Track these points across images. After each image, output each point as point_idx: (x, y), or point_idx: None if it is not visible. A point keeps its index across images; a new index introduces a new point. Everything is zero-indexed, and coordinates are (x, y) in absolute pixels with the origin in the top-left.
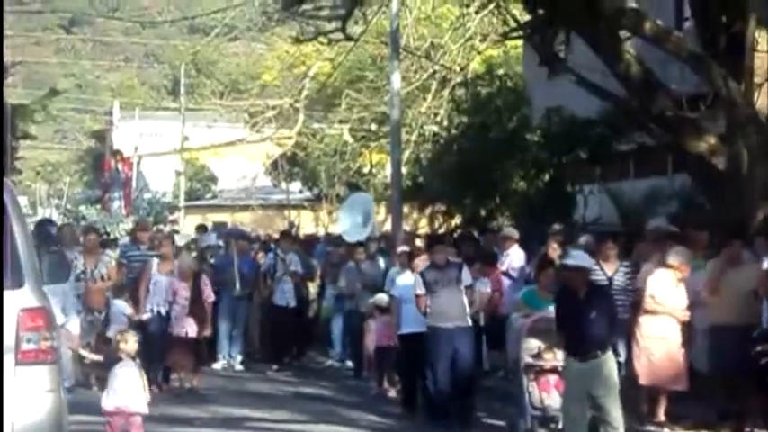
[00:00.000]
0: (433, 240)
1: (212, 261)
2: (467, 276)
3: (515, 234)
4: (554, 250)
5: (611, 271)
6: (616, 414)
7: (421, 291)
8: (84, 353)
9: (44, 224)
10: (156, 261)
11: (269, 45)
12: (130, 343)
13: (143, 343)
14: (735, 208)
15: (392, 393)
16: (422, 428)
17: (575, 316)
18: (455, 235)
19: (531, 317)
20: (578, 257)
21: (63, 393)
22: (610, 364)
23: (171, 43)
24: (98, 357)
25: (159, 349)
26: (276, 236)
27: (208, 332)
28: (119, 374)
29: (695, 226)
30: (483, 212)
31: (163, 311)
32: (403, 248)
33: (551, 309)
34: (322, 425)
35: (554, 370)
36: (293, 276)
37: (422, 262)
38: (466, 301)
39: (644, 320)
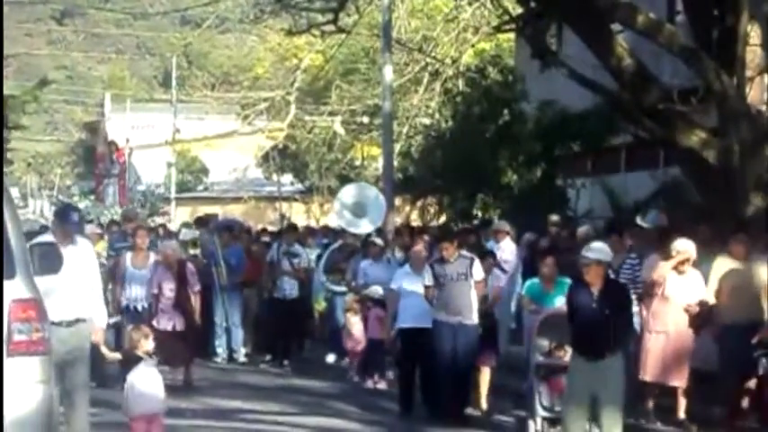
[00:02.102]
0: (442, 235)
1: (192, 252)
2: (478, 271)
3: (507, 226)
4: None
5: (616, 263)
6: (614, 420)
7: (429, 282)
8: (105, 350)
9: (67, 210)
10: (129, 254)
11: (261, 37)
12: (150, 341)
13: (117, 340)
14: (726, 201)
15: (382, 386)
16: (413, 422)
17: (587, 312)
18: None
19: (540, 314)
20: (598, 250)
21: (53, 385)
22: (618, 366)
23: (162, 35)
24: (117, 356)
25: None
26: (270, 228)
27: (195, 324)
28: (141, 376)
29: (687, 220)
30: (475, 206)
31: (139, 307)
32: (377, 240)
33: (557, 302)
34: (313, 417)
35: (566, 368)
36: (299, 271)
37: (415, 254)
38: (474, 296)
39: (649, 315)
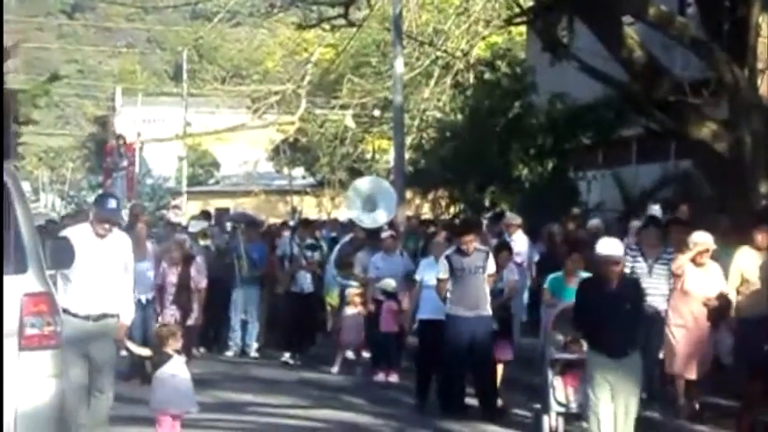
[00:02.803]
0: (463, 226)
1: (202, 243)
2: (491, 264)
3: (518, 219)
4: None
5: (653, 258)
6: (630, 416)
7: (444, 275)
8: (131, 345)
9: (104, 197)
10: None
11: (271, 31)
12: (178, 338)
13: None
14: (738, 193)
15: (394, 378)
16: (425, 414)
17: (604, 309)
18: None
19: (556, 307)
20: (610, 246)
21: (66, 378)
22: (637, 363)
23: (173, 29)
24: (146, 351)
25: (140, 339)
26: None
27: (192, 321)
28: (170, 373)
29: (697, 212)
30: (485, 199)
31: (143, 299)
32: (388, 233)
33: None
34: (325, 410)
35: (582, 363)
36: (312, 264)
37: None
38: (487, 289)
39: (670, 309)
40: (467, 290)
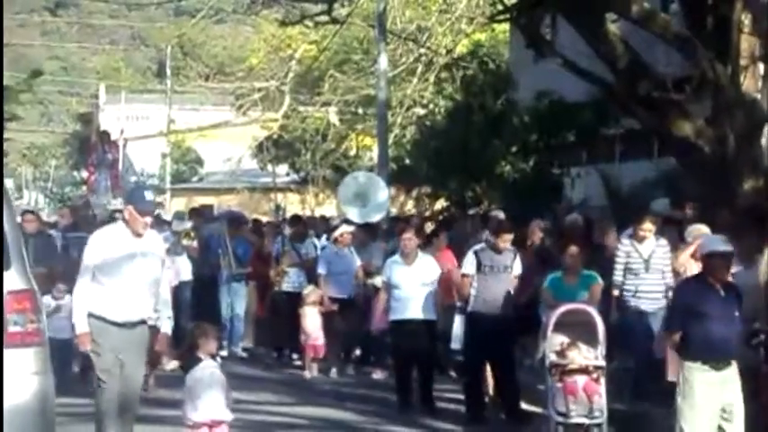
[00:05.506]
0: (504, 225)
1: (185, 243)
2: (518, 265)
3: (501, 214)
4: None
5: (646, 253)
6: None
7: (471, 271)
8: (165, 359)
9: (140, 190)
10: None
11: (255, 28)
12: (211, 340)
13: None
14: (721, 191)
15: (378, 376)
16: (410, 413)
17: (712, 314)
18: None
19: (557, 309)
20: (720, 240)
21: (50, 376)
22: (738, 378)
23: (157, 25)
24: (174, 364)
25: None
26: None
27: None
28: (202, 379)
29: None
30: (467, 195)
31: None
32: (346, 229)
33: (580, 297)
34: (309, 407)
35: (583, 370)
36: (306, 262)
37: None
38: (512, 290)
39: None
40: (494, 288)
